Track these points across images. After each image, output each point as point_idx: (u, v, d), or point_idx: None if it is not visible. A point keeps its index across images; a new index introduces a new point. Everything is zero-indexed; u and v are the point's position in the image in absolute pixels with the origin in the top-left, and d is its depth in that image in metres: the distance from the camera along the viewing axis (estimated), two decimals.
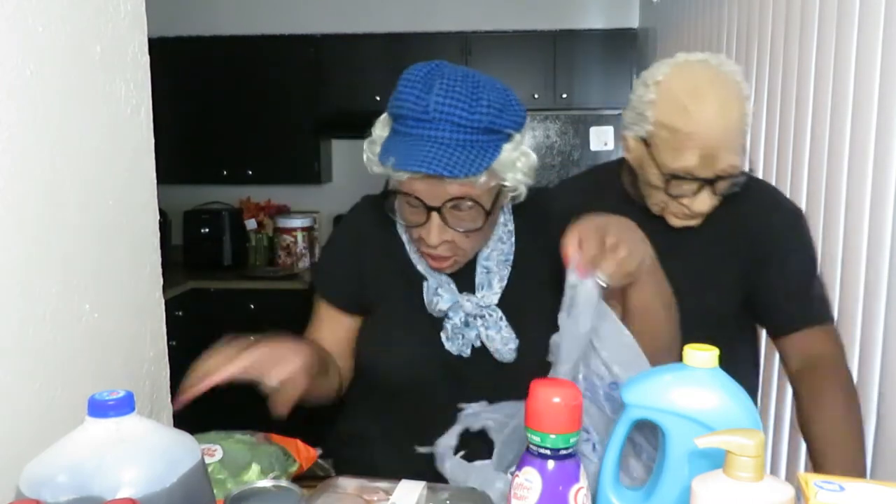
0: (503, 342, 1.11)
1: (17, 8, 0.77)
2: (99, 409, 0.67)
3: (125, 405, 0.68)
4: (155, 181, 1.06)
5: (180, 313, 3.57)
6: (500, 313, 1.12)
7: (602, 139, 3.71)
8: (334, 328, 1.20)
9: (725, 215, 1.30)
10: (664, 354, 0.97)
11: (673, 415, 0.75)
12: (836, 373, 1.26)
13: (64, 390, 0.85)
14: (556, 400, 0.64)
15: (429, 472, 0.99)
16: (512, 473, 0.69)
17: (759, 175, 2.08)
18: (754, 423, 0.74)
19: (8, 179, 0.75)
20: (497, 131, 1.02)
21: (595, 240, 0.93)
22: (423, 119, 1.00)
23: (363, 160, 1.12)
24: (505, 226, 1.16)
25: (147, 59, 1.03)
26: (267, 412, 0.96)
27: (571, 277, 0.93)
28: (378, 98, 3.77)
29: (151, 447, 0.68)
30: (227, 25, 4.12)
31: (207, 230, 4.15)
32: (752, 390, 1.48)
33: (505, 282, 1.14)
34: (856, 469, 1.17)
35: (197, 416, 1.04)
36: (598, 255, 0.92)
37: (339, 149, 4.38)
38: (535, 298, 1.13)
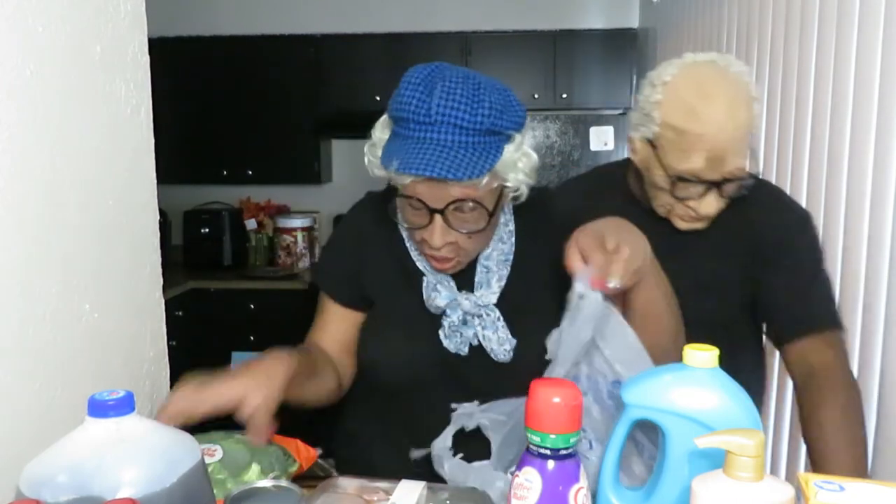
0: (499, 342, 1.11)
1: (17, 8, 0.77)
2: (99, 409, 0.67)
3: (125, 405, 0.68)
4: (155, 181, 1.06)
5: (180, 313, 3.57)
6: (497, 313, 1.12)
7: (602, 139, 3.72)
8: (338, 324, 1.20)
9: (732, 218, 1.28)
10: (670, 346, 0.97)
11: (673, 415, 0.75)
12: (832, 384, 1.23)
13: (64, 390, 0.85)
14: (556, 400, 0.64)
15: (428, 472, 1.00)
16: (512, 473, 0.69)
17: (760, 175, 2.07)
18: (754, 423, 0.74)
19: (8, 179, 0.75)
20: (498, 132, 1.02)
21: (598, 249, 0.93)
22: (426, 122, 1.00)
23: (364, 162, 1.12)
24: (506, 226, 1.16)
25: (147, 59, 1.03)
26: None
27: (578, 288, 0.93)
28: (378, 98, 3.78)
29: (151, 447, 0.68)
30: (227, 25, 4.12)
31: (207, 230, 4.15)
32: (756, 395, 1.46)
33: (504, 281, 1.14)
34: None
35: None
36: (606, 263, 0.92)
37: (339, 149, 4.38)
38: (533, 299, 1.13)
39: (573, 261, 0.95)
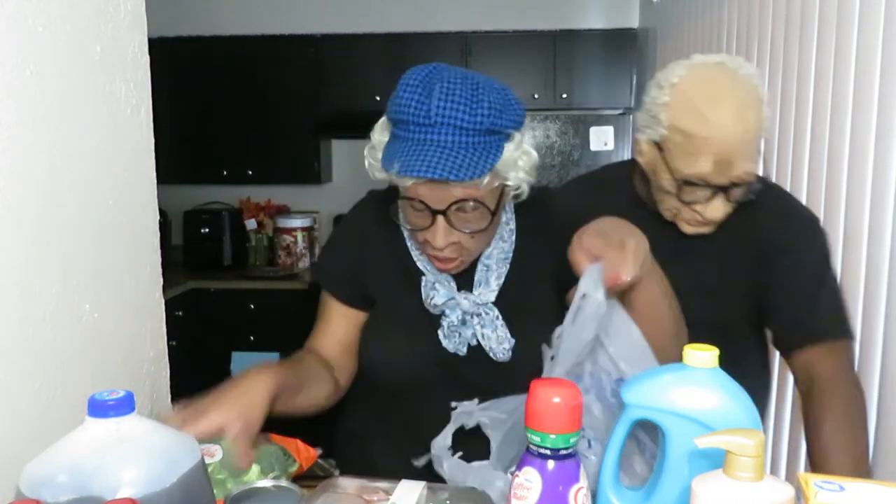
0: (498, 341, 1.11)
1: (17, 8, 0.77)
2: (99, 409, 0.67)
3: (125, 405, 0.68)
4: (155, 181, 1.06)
5: (180, 313, 3.57)
6: (496, 312, 1.12)
7: (602, 139, 3.72)
8: (340, 324, 1.20)
9: (739, 222, 1.26)
10: (672, 342, 0.97)
11: (673, 415, 0.75)
12: (834, 398, 1.21)
13: (64, 390, 0.85)
14: (556, 400, 0.64)
15: (428, 471, 1.00)
16: (512, 473, 0.69)
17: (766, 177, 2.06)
18: (754, 423, 0.74)
19: (8, 179, 0.76)
20: (498, 132, 1.02)
21: (606, 247, 0.93)
22: (426, 123, 1.00)
23: (365, 165, 1.12)
24: (507, 224, 1.16)
25: (147, 59, 1.03)
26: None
27: (583, 287, 0.93)
28: (378, 98, 3.78)
29: (151, 447, 0.68)
30: (227, 25, 4.12)
31: (207, 230, 4.15)
32: (760, 400, 1.44)
33: (503, 280, 1.14)
34: None
35: None
36: (617, 258, 0.92)
37: (339, 149, 4.38)
38: (532, 298, 1.14)
39: (580, 260, 0.94)
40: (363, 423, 1.24)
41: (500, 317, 1.12)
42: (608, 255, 0.93)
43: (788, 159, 1.92)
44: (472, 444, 1.01)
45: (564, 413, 0.64)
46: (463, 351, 1.13)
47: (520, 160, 1.06)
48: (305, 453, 1.05)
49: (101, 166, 0.92)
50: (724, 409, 0.73)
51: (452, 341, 1.13)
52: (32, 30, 0.79)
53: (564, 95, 3.98)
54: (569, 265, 0.98)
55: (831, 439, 1.19)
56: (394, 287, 1.18)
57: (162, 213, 1.10)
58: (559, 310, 0.97)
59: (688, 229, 1.27)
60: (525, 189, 1.10)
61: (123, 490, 0.64)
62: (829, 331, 1.26)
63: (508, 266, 1.15)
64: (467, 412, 1.02)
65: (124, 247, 0.98)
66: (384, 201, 1.17)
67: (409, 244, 1.17)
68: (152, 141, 1.05)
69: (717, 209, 1.22)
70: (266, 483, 0.86)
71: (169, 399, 1.10)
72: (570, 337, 0.92)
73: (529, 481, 0.64)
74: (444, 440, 1.00)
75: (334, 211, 4.23)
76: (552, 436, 0.63)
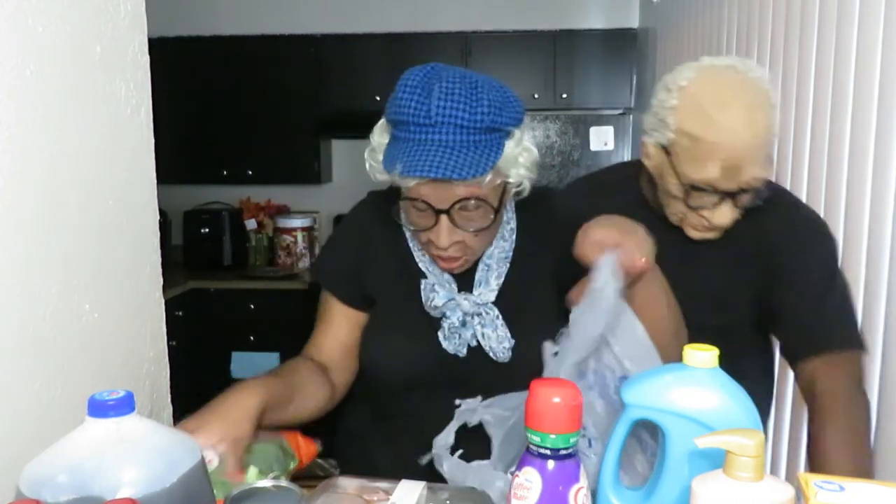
0: (498, 341, 1.11)
1: (17, 8, 0.77)
2: (99, 409, 0.67)
3: (125, 405, 0.68)
4: (155, 181, 1.06)
5: (180, 313, 3.57)
6: (496, 312, 1.12)
7: (602, 139, 3.72)
8: (341, 324, 1.20)
9: (746, 228, 1.24)
10: (671, 341, 0.97)
11: (673, 415, 0.75)
12: (836, 411, 1.19)
13: (64, 390, 0.85)
14: (556, 400, 0.64)
15: (429, 472, 1.00)
16: (512, 473, 0.69)
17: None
18: (754, 423, 0.74)
19: (8, 179, 0.75)
20: (498, 129, 1.02)
21: (622, 234, 0.94)
22: (426, 123, 1.00)
23: (366, 168, 1.12)
24: (507, 223, 1.16)
25: (147, 59, 1.03)
26: None
27: (598, 280, 0.92)
28: (378, 98, 3.78)
29: (151, 447, 0.68)
30: (227, 25, 4.12)
31: (207, 230, 4.15)
32: (763, 405, 1.43)
33: (502, 279, 1.14)
34: None
35: None
36: (633, 243, 0.93)
37: (339, 149, 4.38)
38: (532, 298, 1.14)
39: (589, 254, 0.94)
40: (363, 423, 1.24)
41: (500, 317, 1.12)
42: (626, 239, 0.93)
43: (788, 159, 1.92)
44: (474, 444, 1.01)
45: (564, 413, 0.64)
46: (463, 352, 1.13)
47: (520, 157, 1.07)
48: (306, 448, 1.05)
49: (101, 166, 0.92)
50: (724, 409, 0.74)
51: (452, 343, 1.13)
52: (32, 30, 0.79)
53: (564, 95, 3.98)
54: (569, 265, 0.98)
55: (833, 455, 1.17)
56: (394, 288, 1.18)
57: (162, 213, 1.10)
58: (559, 310, 0.97)
59: (694, 234, 1.25)
60: (527, 186, 1.11)
61: (123, 490, 0.64)
62: (835, 341, 1.24)
63: (508, 265, 1.15)
64: (471, 409, 1.02)
65: (124, 247, 0.98)
66: (385, 202, 1.16)
67: (411, 245, 1.17)
68: (152, 141, 1.05)
69: (725, 215, 1.20)
70: (266, 483, 0.86)
71: (169, 399, 1.10)
72: (584, 329, 0.92)
73: (529, 481, 0.64)
74: (446, 438, 1.00)
75: (334, 211, 4.23)
76: (552, 436, 0.63)
